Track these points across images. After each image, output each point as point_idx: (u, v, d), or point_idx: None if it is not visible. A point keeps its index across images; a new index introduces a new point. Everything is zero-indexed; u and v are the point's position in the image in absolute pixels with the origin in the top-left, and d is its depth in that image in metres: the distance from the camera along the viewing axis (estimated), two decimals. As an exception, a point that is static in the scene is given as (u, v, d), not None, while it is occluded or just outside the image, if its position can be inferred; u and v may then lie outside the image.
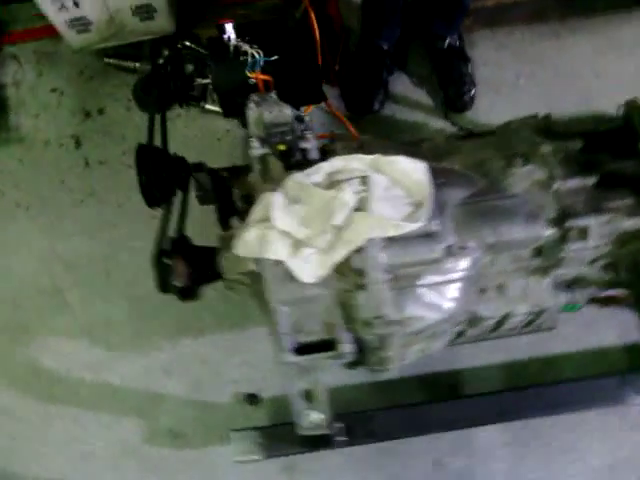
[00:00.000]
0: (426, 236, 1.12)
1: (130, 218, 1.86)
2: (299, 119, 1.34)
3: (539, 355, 1.79)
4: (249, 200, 1.30)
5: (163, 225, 1.33)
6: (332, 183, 1.16)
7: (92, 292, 1.84)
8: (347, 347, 1.14)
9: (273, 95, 1.39)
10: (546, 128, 1.26)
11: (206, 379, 1.79)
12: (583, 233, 1.16)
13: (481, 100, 2.10)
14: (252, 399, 1.77)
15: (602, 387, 1.61)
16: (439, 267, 1.14)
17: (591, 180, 1.17)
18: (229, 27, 1.42)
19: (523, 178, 1.19)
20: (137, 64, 2.06)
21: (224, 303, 1.77)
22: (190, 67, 1.96)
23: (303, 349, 1.15)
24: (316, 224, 1.12)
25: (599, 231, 1.16)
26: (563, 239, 1.18)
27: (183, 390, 1.78)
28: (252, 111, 1.31)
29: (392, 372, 1.30)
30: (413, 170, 1.14)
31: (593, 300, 1.42)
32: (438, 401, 1.63)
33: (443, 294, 1.15)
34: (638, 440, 1.72)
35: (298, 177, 1.16)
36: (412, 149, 1.30)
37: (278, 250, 1.12)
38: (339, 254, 1.10)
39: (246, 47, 1.44)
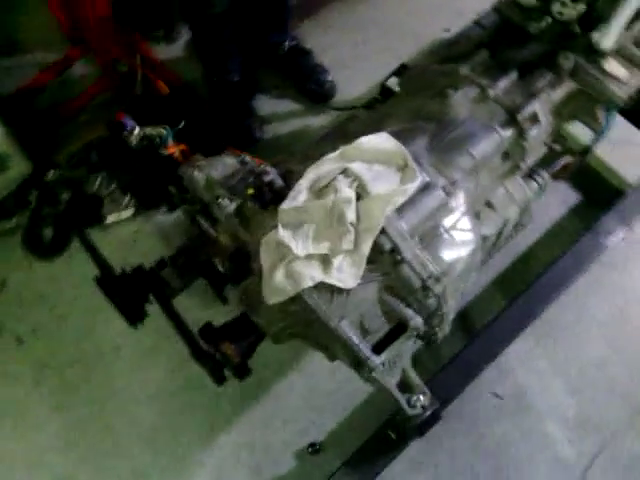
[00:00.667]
0: (424, 189, 1.18)
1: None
2: (243, 162, 1.35)
3: (517, 256, 1.95)
4: (238, 257, 1.30)
5: (181, 328, 1.28)
6: (319, 193, 1.18)
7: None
8: (417, 320, 1.17)
9: (200, 156, 1.40)
10: (447, 58, 1.38)
11: (261, 460, 1.70)
12: (534, 118, 1.28)
13: (340, 80, 2.24)
14: (313, 448, 1.73)
15: (581, 249, 1.76)
16: (447, 209, 1.21)
17: (514, 75, 1.29)
18: (128, 120, 1.41)
19: (462, 103, 1.29)
20: (13, 220, 1.98)
21: (232, 385, 1.72)
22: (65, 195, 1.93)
23: (380, 347, 1.17)
24: (331, 233, 1.14)
25: (543, 110, 1.29)
26: (521, 133, 1.29)
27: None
28: (198, 179, 1.31)
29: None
30: (379, 142, 1.20)
31: (552, 176, 1.56)
32: (473, 338, 1.70)
33: (462, 229, 1.22)
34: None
35: (286, 205, 1.17)
36: (343, 136, 1.36)
37: (312, 275, 1.13)
38: (366, 246, 1.13)
39: (149, 130, 1.43)
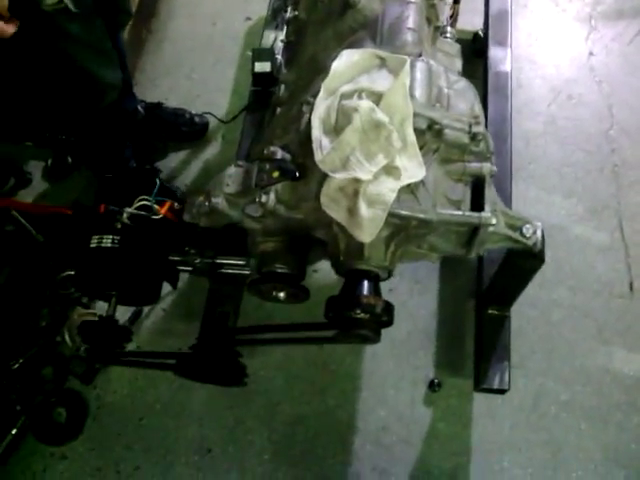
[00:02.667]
0: (411, 68, 1.26)
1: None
2: (238, 165, 1.33)
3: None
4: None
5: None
6: (337, 128, 1.20)
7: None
8: (486, 166, 1.24)
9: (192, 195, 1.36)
10: None
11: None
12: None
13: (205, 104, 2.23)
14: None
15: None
16: (436, 72, 1.29)
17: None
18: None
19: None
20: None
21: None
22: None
23: (475, 207, 1.22)
24: (377, 144, 1.15)
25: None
26: None
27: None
28: (220, 203, 1.28)
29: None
30: (348, 59, 1.26)
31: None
32: None
33: (455, 81, 1.31)
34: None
35: (319, 155, 1.17)
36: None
37: (389, 188, 1.14)
38: (410, 134, 1.16)
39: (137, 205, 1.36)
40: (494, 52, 1.99)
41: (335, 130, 1.21)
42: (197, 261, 1.41)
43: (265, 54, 1.99)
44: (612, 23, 2.29)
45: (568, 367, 1.78)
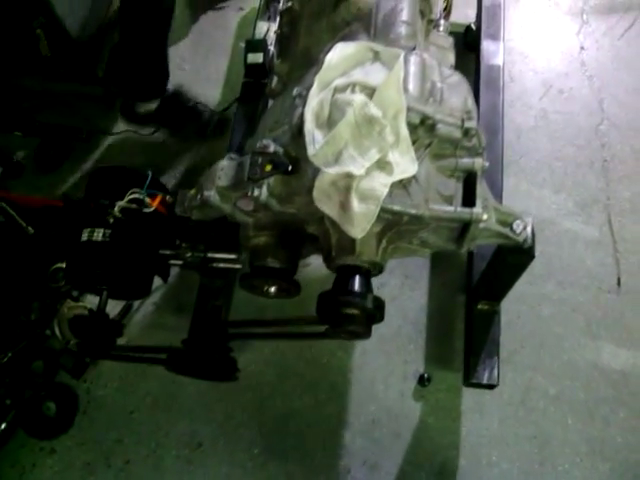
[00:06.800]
0: (405, 62, 1.25)
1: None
2: (231, 158, 1.32)
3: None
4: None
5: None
6: (330, 122, 1.19)
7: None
8: (478, 161, 1.23)
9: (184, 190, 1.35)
10: None
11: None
12: None
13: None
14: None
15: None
16: (429, 66, 1.28)
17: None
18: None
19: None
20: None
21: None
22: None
23: (466, 202, 1.22)
24: (370, 139, 1.15)
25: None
26: None
27: None
28: (212, 196, 1.27)
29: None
30: (341, 51, 1.25)
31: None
32: None
33: (449, 75, 1.30)
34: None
35: (312, 149, 1.15)
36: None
37: (381, 183, 1.14)
38: (404, 129, 1.16)
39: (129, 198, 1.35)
40: (487, 45, 1.99)
41: (328, 124, 1.20)
42: (188, 255, 1.40)
43: (258, 45, 1.99)
44: (604, 17, 2.30)
45: (557, 362, 1.79)
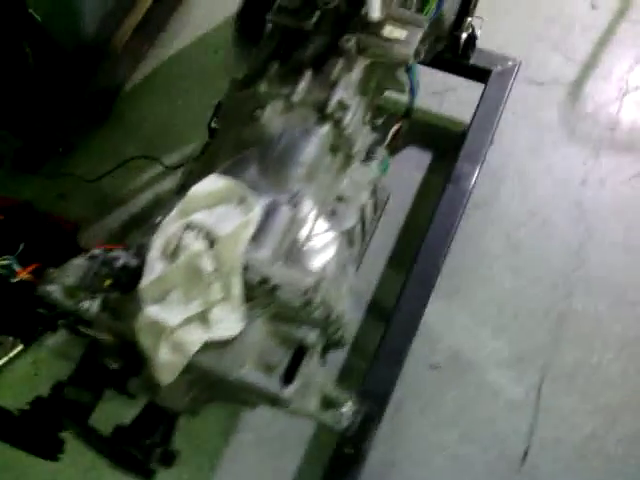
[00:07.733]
0: (270, 211, 1.19)
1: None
2: (92, 257, 1.30)
3: (399, 230, 2.02)
4: (127, 350, 1.25)
5: (97, 441, 1.21)
6: (174, 257, 1.16)
7: None
8: (311, 337, 1.16)
9: (52, 269, 1.35)
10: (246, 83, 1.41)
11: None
12: (342, 106, 1.30)
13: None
14: None
15: (449, 200, 1.83)
16: (298, 220, 1.22)
17: (309, 74, 1.32)
18: None
19: (273, 118, 1.30)
20: None
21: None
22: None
23: (288, 376, 1.15)
24: (197, 290, 1.11)
25: (348, 94, 1.33)
26: (336, 124, 1.31)
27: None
28: (54, 291, 1.25)
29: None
30: (209, 185, 1.20)
31: (389, 148, 1.61)
32: (388, 322, 1.68)
33: (320, 233, 1.23)
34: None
35: (144, 281, 1.13)
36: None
37: (195, 339, 1.10)
38: (236, 288, 1.11)
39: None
40: (461, 166, 1.86)
41: (171, 259, 1.17)
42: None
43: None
44: (617, 154, 2.08)
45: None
